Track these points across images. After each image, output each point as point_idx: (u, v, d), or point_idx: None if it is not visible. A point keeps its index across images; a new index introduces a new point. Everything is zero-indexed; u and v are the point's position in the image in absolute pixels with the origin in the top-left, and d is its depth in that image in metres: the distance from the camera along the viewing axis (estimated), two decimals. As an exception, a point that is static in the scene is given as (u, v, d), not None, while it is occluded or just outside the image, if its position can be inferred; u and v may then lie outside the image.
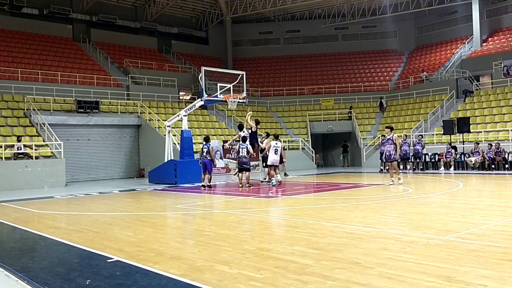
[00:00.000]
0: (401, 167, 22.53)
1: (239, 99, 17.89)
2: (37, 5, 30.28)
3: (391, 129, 14.98)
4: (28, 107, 21.70)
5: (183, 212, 9.81)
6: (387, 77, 35.00)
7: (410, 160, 21.97)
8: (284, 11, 37.64)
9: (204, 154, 15.36)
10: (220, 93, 17.95)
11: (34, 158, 18.63)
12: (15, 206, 11.80)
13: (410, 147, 21.87)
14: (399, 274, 4.33)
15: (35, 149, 18.92)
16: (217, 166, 21.42)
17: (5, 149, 18.20)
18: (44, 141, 20.04)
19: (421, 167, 22.06)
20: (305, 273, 4.47)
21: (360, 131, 28.81)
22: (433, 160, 22.60)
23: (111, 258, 5.43)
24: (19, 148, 18.56)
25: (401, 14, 34.90)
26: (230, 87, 18.06)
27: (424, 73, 31.82)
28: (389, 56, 37.61)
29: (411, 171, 21.49)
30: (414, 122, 27.63)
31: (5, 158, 18.07)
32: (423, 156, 22.24)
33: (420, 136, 22.39)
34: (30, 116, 21.39)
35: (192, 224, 8.24)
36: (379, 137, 25.26)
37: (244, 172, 14.97)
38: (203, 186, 15.26)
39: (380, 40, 38.30)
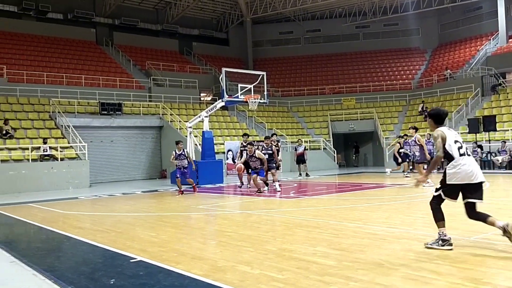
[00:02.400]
0: (425, 166, 22.16)
1: (259, 99, 17.90)
2: (62, 10, 30.96)
3: (416, 129, 14.75)
4: (53, 110, 22.19)
5: (205, 213, 9.86)
6: (410, 76, 34.48)
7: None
8: (304, 10, 37.48)
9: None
10: (241, 94, 17.99)
11: (59, 159, 19.04)
12: (41, 206, 12.07)
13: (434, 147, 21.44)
14: (423, 276, 4.25)
15: (60, 151, 19.33)
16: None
17: (31, 151, 18.65)
18: (69, 143, 20.45)
19: (438, 166, 21.62)
20: (327, 274, 4.44)
21: (383, 131, 28.44)
22: (458, 160, 22.12)
23: (134, 258, 5.50)
24: (45, 150, 18.99)
25: (423, 11, 34.31)
26: (250, 87, 18.09)
27: (448, 71, 31.22)
28: (412, 54, 37.02)
29: (435, 171, 21.08)
30: (425, 122, 27.09)
31: (32, 159, 18.51)
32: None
33: (428, 135, 21.89)
34: (56, 118, 21.87)
35: (213, 225, 8.28)
36: (401, 137, 24.87)
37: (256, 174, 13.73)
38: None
39: (402, 38, 37.74)
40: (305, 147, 21.79)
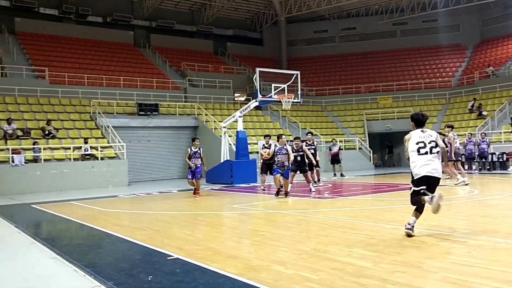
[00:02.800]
0: (466, 167, 21.48)
1: (293, 99, 17.83)
2: (101, 13, 31.87)
3: (452, 127, 14.62)
4: (93, 111, 22.89)
5: (239, 212, 9.92)
6: (450, 73, 33.46)
7: (475, 160, 20.87)
8: (339, 8, 37.04)
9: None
10: (275, 94, 17.98)
11: (99, 159, 19.61)
12: (82, 204, 12.47)
13: (475, 146, 20.76)
14: (464, 279, 4.12)
15: (100, 151, 19.91)
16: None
17: (73, 151, 19.30)
18: (108, 142, 21.04)
19: (488, 167, 20.86)
20: (363, 276, 4.37)
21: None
22: (500, 160, 21.30)
23: (171, 256, 5.59)
24: (86, 150, 19.61)
25: (464, 6, 33.19)
26: (284, 87, 18.05)
27: (490, 68, 30.08)
28: (452, 51, 35.88)
29: (477, 171, 20.40)
30: (480, 119, 26.21)
31: (74, 159, 19.16)
32: (490, 155, 21.01)
33: (483, 134, 21.16)
34: (96, 119, 22.54)
35: (248, 224, 8.32)
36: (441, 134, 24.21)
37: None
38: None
39: (441, 34, 36.60)
40: (339, 146, 21.54)
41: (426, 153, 6.15)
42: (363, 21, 38.26)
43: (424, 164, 6.14)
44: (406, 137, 6.41)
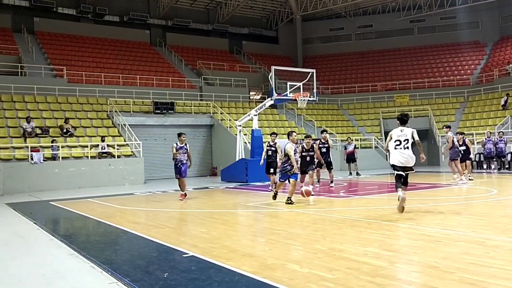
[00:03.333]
0: (485, 166, 21.14)
1: (308, 97, 17.76)
2: (118, 12, 32.20)
3: (449, 127, 14.94)
4: (110, 109, 23.15)
5: (254, 210, 9.93)
6: (468, 71, 32.92)
7: (494, 159, 20.52)
8: (355, 6, 36.74)
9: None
10: (290, 92, 17.93)
11: (116, 157, 19.83)
12: (99, 202, 12.63)
13: (494, 146, 20.40)
14: (482, 280, 4.06)
15: (117, 149, 20.13)
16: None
17: (90, 149, 19.56)
18: (125, 141, 21.26)
19: (507, 166, 20.48)
20: (378, 276, 4.34)
21: (438, 129, 27.35)
22: (520, 159, 20.89)
23: (187, 253, 5.63)
24: (103, 148, 19.85)
25: (483, 3, 32.61)
26: (300, 85, 17.99)
27: (510, 65, 29.49)
28: (471, 48, 35.28)
29: (495, 170, 20.06)
30: (499, 118, 25.74)
31: (91, 157, 19.41)
32: (508, 154, 20.62)
33: (501, 133, 20.78)
34: (113, 117, 22.80)
35: (263, 222, 8.32)
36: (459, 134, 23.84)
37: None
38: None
39: (460, 31, 36.04)
40: (355, 145, 21.39)
41: (401, 148, 8.16)
42: (379, 19, 37.88)
43: (398, 156, 8.20)
44: (390, 133, 8.42)
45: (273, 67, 17.97)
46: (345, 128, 29.40)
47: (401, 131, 8.16)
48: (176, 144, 12.53)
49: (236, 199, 12.43)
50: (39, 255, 6.11)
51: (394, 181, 8.45)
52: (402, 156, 8.14)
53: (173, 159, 12.47)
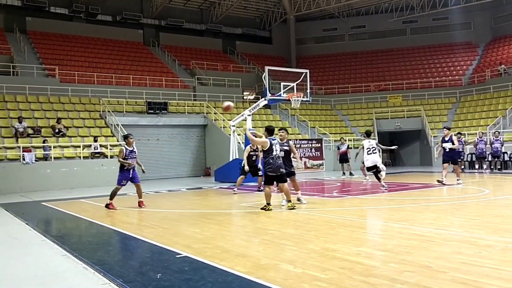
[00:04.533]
0: (477, 166, 21.29)
1: (302, 97, 17.79)
2: (111, 12, 32.06)
3: (449, 129, 14.59)
4: (103, 109, 23.04)
5: (248, 210, 9.92)
6: (461, 72, 33.14)
7: (487, 159, 20.66)
8: (349, 7, 36.87)
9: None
10: (284, 92, 17.94)
11: (109, 157, 19.73)
12: (92, 202, 12.57)
13: (487, 145, 20.55)
14: (474, 280, 4.08)
15: (110, 149, 20.03)
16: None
17: (83, 149, 19.45)
18: (118, 141, 21.16)
19: (499, 166, 20.63)
20: (372, 275, 4.35)
21: (431, 129, 27.52)
22: (512, 159, 21.07)
23: (180, 254, 5.61)
24: (96, 148, 19.75)
25: (475, 4, 32.85)
26: (293, 86, 18.01)
27: (502, 66, 29.75)
28: (463, 49, 35.52)
29: (488, 170, 20.21)
30: (491, 118, 25.94)
31: (83, 157, 19.31)
32: (502, 154, 20.77)
33: (497, 133, 20.94)
34: (105, 117, 22.69)
35: (256, 223, 8.32)
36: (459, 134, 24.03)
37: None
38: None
39: (452, 32, 36.28)
40: (348, 145, 21.46)
41: (371, 153, 13.21)
42: (372, 19, 38.04)
43: (371, 159, 13.15)
44: (362, 144, 13.68)
45: (266, 67, 17.98)
46: (338, 128, 29.48)
47: (369, 142, 13.32)
48: (125, 148, 10.76)
49: (230, 199, 12.42)
50: (31, 256, 6.06)
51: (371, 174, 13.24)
52: (374, 158, 13.09)
53: (123, 165, 10.68)
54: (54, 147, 18.95)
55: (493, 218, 7.54)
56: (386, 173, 14.81)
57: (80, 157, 19.25)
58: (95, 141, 20.05)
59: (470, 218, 7.68)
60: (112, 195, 10.68)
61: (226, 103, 11.28)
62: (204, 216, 9.16)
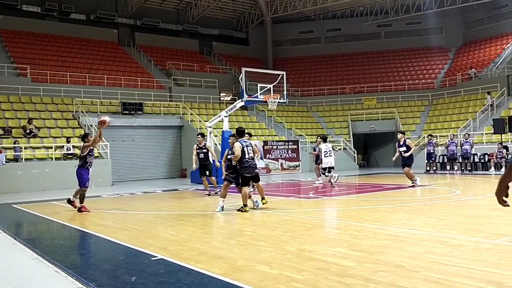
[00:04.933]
0: (448, 167, 21.81)
1: (279, 99, 17.87)
2: (84, 10, 31.49)
3: (403, 133, 14.75)
4: (76, 110, 22.60)
5: (224, 212, 9.89)
6: (433, 75, 33.91)
7: (457, 161, 21.18)
8: (325, 9, 37.26)
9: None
10: (260, 94, 17.99)
11: (82, 158, 19.33)
12: (64, 204, 12.27)
13: (458, 147, 21.08)
14: (446, 279, 4.17)
15: (83, 150, 19.63)
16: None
17: (55, 150, 19.03)
18: (91, 142, 20.76)
19: (469, 168, 21.18)
20: (347, 275, 4.39)
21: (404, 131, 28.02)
22: (482, 161, 21.66)
23: (155, 256, 5.55)
24: (68, 149, 19.35)
25: (447, 9, 33.67)
26: (270, 87, 18.07)
27: (473, 70, 30.58)
28: (435, 53, 36.39)
29: (459, 172, 20.72)
30: (462, 121, 26.61)
31: (55, 158, 18.89)
32: (472, 156, 21.34)
33: (467, 135, 21.50)
34: (79, 118, 22.26)
35: (233, 224, 8.30)
36: (424, 137, 24.54)
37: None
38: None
39: (425, 36, 37.12)
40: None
41: (327, 156, 14.84)
42: (348, 22, 38.55)
43: (328, 161, 14.80)
44: (320, 148, 15.33)
45: (243, 69, 17.98)
46: (314, 130, 29.72)
47: (326, 146, 14.98)
48: (88, 147, 10.35)
49: (206, 201, 12.35)
50: (1, 260, 5.88)
51: (327, 173, 14.87)
52: (330, 160, 14.84)
53: (85, 166, 10.37)
54: (25, 148, 18.48)
55: (464, 218, 7.73)
56: (360, 175, 15.04)
57: (52, 158, 18.83)
58: (68, 142, 19.65)
59: (442, 218, 7.85)
60: (82, 198, 10.37)
61: (103, 118, 10.04)
62: (180, 218, 9.08)
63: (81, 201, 10.37)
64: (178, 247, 6.10)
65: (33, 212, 10.80)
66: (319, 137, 15.96)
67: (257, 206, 9.89)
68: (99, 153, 20.25)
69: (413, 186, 13.83)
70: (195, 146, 13.55)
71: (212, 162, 13.81)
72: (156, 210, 10.67)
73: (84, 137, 10.68)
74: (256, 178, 9.76)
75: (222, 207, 9.70)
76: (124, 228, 7.99)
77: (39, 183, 17.74)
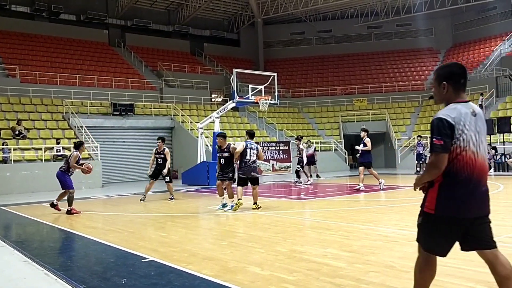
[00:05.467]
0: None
1: (270, 100, 17.89)
2: (74, 11, 31.27)
3: (366, 131, 13.90)
4: (66, 111, 22.41)
5: (215, 213, 9.87)
6: (423, 76, 34.18)
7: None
8: (316, 11, 37.39)
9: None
10: (252, 95, 17.99)
11: (72, 159, 19.18)
12: (54, 206, 12.16)
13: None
14: (436, 279, 4.18)
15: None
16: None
17: (44, 151, 18.85)
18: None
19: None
20: (338, 276, 4.41)
21: (395, 132, 28.24)
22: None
23: (146, 258, 5.52)
24: (58, 150, 19.18)
25: (437, 11, 33.98)
26: (261, 88, 18.08)
27: (462, 71, 30.82)
28: (425, 54, 36.68)
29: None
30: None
31: (45, 160, 18.71)
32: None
33: (419, 138, 21.87)
34: (69, 119, 22.08)
35: (224, 225, 8.28)
36: (414, 138, 24.71)
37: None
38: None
39: (415, 38, 37.41)
40: (315, 148, 21.71)
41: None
42: (339, 24, 38.72)
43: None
44: (301, 147, 16.05)
45: (235, 70, 17.98)
46: (305, 131, 29.78)
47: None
48: (77, 154, 10.51)
49: (197, 202, 12.32)
50: (-12, 263, 5.81)
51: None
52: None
53: (69, 170, 10.45)
54: (14, 149, 18.28)
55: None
56: (351, 176, 15.02)
57: (41, 160, 18.65)
58: (58, 143, 19.47)
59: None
60: (70, 200, 10.29)
61: (90, 166, 10.59)
62: (171, 220, 9.04)
63: (70, 204, 10.27)
64: (169, 248, 6.08)
65: (22, 214, 10.70)
66: (297, 137, 17.32)
67: (226, 208, 9.92)
68: (89, 154, 20.12)
69: (359, 190, 13.21)
70: (154, 150, 13.20)
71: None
72: (147, 212, 10.62)
73: (78, 146, 10.62)
74: (253, 181, 9.85)
75: (231, 205, 9.92)
76: (114, 229, 7.95)
77: (28, 185, 17.55)
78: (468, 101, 3.13)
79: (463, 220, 3.04)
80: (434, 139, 2.95)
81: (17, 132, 19.41)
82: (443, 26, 36.95)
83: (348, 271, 4.60)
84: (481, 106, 26.25)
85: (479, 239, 3.13)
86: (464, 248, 3.22)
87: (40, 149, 18.88)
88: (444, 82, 3.19)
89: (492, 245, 3.12)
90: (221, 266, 5.00)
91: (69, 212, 10.23)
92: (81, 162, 10.73)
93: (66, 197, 10.41)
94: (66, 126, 21.71)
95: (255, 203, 9.88)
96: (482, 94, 26.82)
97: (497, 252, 3.12)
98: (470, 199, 2.98)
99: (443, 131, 2.94)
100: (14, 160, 18.01)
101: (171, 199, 12.83)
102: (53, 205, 10.58)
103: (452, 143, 2.94)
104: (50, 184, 17.88)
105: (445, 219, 3.04)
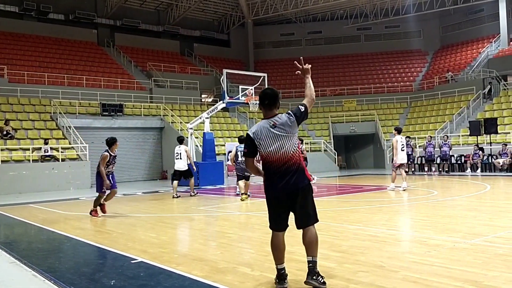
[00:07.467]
0: (426, 168, 22.18)
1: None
2: (63, 10, 31.00)
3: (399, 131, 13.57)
4: (54, 111, 22.21)
5: (206, 214, 9.86)
6: (411, 78, 34.48)
7: (435, 162, 21.56)
8: (305, 12, 37.51)
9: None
10: (242, 95, 18.00)
11: (60, 160, 19.04)
12: (42, 207, 12.07)
13: (436, 149, 21.46)
14: (424, 278, 4.25)
15: (61, 152, 19.34)
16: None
17: (32, 152, 18.66)
18: (70, 143, 20.46)
19: (446, 169, 21.57)
20: (327, 276, 4.43)
21: (384, 133, 28.44)
22: (459, 162, 22.11)
23: (135, 259, 5.49)
24: (46, 151, 19.00)
25: (425, 13, 34.32)
26: (251, 89, 18.09)
27: (450, 73, 31.21)
28: (413, 56, 37.02)
29: (436, 173, 21.09)
30: (439, 123, 27.12)
31: (33, 160, 18.52)
32: (450, 157, 21.75)
33: (446, 137, 21.90)
34: (57, 119, 21.88)
35: (214, 226, 8.28)
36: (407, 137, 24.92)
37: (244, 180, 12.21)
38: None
39: (403, 40, 37.74)
40: (304, 148, 21.78)
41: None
42: (328, 25, 38.89)
43: (402, 156, 13.13)
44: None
45: (225, 70, 17.97)
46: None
47: (402, 138, 13.13)
48: (109, 153, 9.70)
49: (187, 203, 12.29)
50: (-25, 265, 5.74)
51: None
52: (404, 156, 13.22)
53: (103, 172, 9.60)
54: (1, 150, 18.07)
55: (442, 219, 7.88)
56: (341, 176, 15.01)
57: (29, 160, 18.46)
58: (46, 143, 19.28)
59: (420, 219, 7.99)
60: (95, 202, 9.87)
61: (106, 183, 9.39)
62: (160, 220, 9.01)
63: (95, 205, 9.86)
64: (159, 249, 6.06)
65: (9, 215, 10.57)
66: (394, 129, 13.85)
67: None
68: (77, 155, 19.97)
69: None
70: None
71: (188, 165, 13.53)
72: (136, 213, 10.56)
73: (111, 144, 9.81)
74: (247, 178, 12.13)
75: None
76: (103, 231, 7.89)
77: (16, 185, 17.36)
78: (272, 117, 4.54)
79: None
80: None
81: (4, 132, 19.19)
82: (431, 28, 37.32)
83: (337, 271, 4.63)
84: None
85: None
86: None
87: (28, 149, 18.69)
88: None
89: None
90: (211, 266, 5.00)
91: (90, 212, 9.81)
92: (115, 161, 9.90)
93: (106, 197, 9.91)
94: (54, 126, 21.52)
95: (244, 193, 11.68)
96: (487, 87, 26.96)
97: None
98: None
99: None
100: (1, 161, 17.80)
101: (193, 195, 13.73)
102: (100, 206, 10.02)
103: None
104: (39, 184, 17.78)
105: None
